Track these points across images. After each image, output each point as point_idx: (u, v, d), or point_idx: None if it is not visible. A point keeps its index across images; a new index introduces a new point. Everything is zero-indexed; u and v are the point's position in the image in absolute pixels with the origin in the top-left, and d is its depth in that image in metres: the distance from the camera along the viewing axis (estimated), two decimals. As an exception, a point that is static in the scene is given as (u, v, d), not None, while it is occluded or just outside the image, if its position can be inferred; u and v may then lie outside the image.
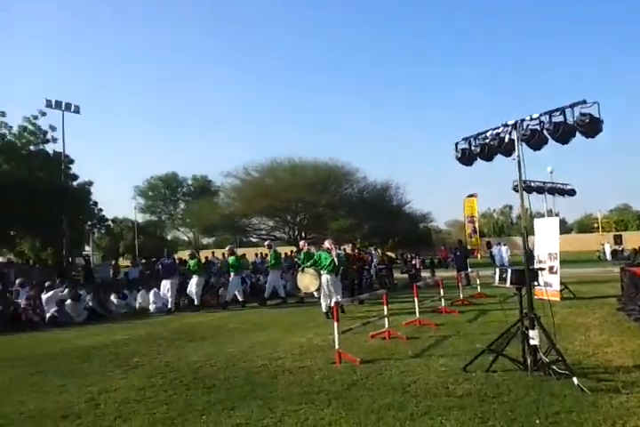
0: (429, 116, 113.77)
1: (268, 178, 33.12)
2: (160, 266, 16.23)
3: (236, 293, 14.53)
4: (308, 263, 11.69)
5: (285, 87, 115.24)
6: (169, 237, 58.48)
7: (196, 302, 14.36)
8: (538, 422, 4.21)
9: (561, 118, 5.68)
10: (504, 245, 30.42)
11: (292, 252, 21.49)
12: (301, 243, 14.79)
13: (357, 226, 29.54)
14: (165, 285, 14.32)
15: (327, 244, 11.80)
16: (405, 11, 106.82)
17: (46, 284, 13.93)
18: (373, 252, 22.02)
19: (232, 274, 14.73)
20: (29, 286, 13.73)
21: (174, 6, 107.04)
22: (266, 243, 16.95)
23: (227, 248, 16.33)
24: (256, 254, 22.64)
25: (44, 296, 12.78)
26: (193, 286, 14.40)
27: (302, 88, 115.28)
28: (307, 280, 11.91)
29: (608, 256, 34.52)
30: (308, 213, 32.94)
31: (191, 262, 14.71)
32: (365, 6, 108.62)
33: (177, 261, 17.29)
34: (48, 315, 12.19)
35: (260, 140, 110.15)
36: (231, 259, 15.04)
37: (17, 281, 14.79)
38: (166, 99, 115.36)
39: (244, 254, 22.92)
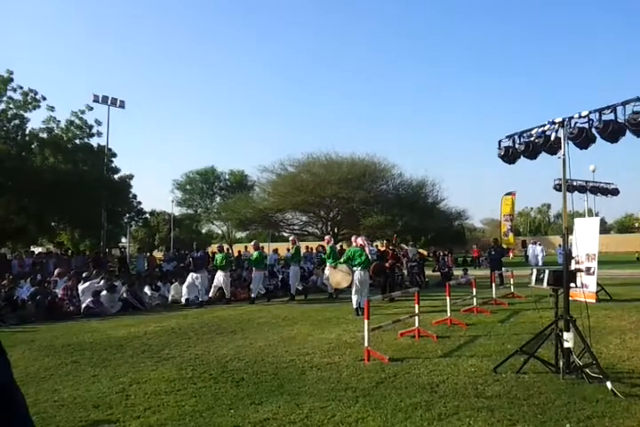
0: (470, 113, 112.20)
1: (303, 173, 33.19)
2: (190, 259, 16.36)
3: (260, 287, 14.78)
4: (342, 260, 11.78)
5: (325, 83, 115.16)
6: (203, 231, 59.20)
7: (227, 295, 14.53)
8: (568, 425, 4.13)
9: (611, 116, 5.52)
10: (539, 244, 29.90)
11: (321, 247, 21.47)
12: (327, 237, 14.91)
13: (391, 222, 29.30)
14: (195, 277, 14.37)
15: (360, 240, 12.00)
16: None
17: (83, 275, 14.29)
18: (410, 248, 21.97)
19: (254, 269, 14.83)
20: (67, 276, 14.07)
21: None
22: (290, 238, 16.92)
23: (252, 243, 16.41)
24: (287, 249, 22.70)
25: (81, 287, 13.10)
26: (221, 279, 14.53)
27: (343, 83, 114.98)
28: (339, 276, 11.97)
29: (648, 257, 33.55)
30: (342, 209, 32.86)
31: (218, 256, 14.84)
32: None
33: (208, 255, 17.39)
34: (84, 305, 12.49)
35: (299, 135, 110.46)
36: (255, 254, 15.10)
37: (55, 271, 15.19)
38: (208, 94, 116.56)
39: (277, 249, 23.14)
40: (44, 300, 12.11)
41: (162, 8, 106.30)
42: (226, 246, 18.52)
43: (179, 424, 4.38)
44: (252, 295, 14.55)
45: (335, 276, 12.08)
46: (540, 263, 26.44)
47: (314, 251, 21.48)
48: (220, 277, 14.54)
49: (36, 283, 13.29)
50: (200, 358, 7.00)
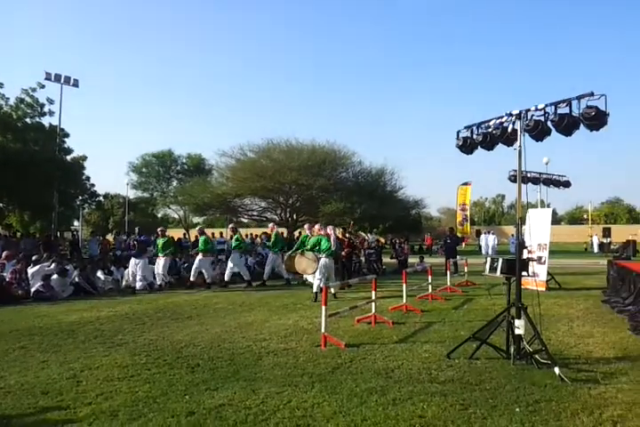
0: (429, 103, 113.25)
1: (263, 159, 32.86)
2: (135, 242, 15.50)
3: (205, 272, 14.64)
4: (308, 247, 11.90)
5: (287, 68, 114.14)
6: (159, 215, 58.22)
7: (157, 282, 14.26)
8: (518, 410, 4.25)
9: (566, 110, 5.64)
10: (492, 234, 30.60)
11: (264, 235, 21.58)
12: (270, 225, 15.80)
13: (350, 210, 29.42)
14: (136, 263, 13.77)
15: (328, 230, 12.38)
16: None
17: (33, 258, 13.84)
18: (370, 236, 22.27)
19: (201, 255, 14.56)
20: (16, 259, 13.60)
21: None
22: (270, 225, 16.57)
23: (230, 226, 16.42)
24: (247, 235, 22.62)
25: (30, 270, 12.69)
26: (203, 264, 14.38)
27: (304, 70, 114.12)
28: (305, 263, 11.97)
29: (595, 248, 34.83)
30: (302, 196, 32.77)
31: (201, 239, 14.74)
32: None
33: (150, 240, 16.47)
34: (33, 289, 12.10)
35: (258, 120, 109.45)
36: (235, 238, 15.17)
37: (3, 254, 14.66)
38: (165, 76, 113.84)
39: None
40: (-10, 283, 11.69)
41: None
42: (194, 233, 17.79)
43: (132, 411, 4.30)
44: (208, 280, 14.47)
45: (301, 262, 12.06)
46: (492, 252, 27.12)
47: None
48: (199, 261, 14.33)
49: (-18, 266, 12.80)
50: (154, 344, 6.90)
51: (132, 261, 13.89)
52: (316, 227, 12.64)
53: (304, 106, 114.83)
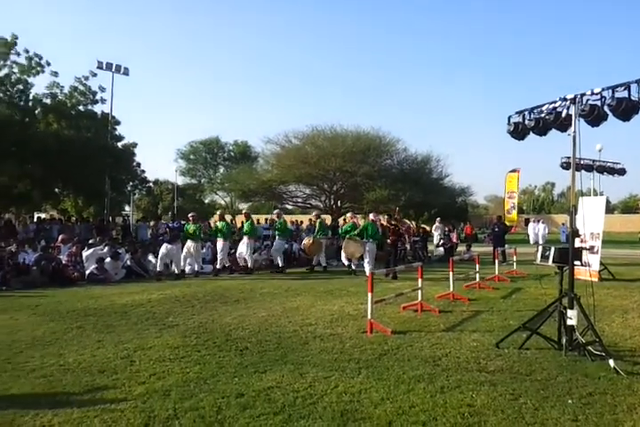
0: (477, 91, 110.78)
1: (308, 146, 32.92)
2: (167, 229, 14.95)
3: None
4: (356, 232, 12.97)
5: (332, 55, 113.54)
6: (206, 201, 59.19)
7: (217, 266, 14.22)
8: (571, 401, 4.16)
9: (625, 94, 5.40)
10: (542, 222, 29.76)
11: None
12: (349, 215, 15.77)
13: (395, 197, 29.20)
14: (170, 248, 13.45)
15: (372, 216, 13.64)
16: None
17: (90, 241, 14.32)
18: (438, 224, 22.75)
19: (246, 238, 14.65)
20: (71, 243, 14.11)
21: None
22: (275, 211, 16.35)
23: (314, 213, 16.67)
24: (292, 222, 22.78)
25: (85, 253, 13.14)
26: (218, 249, 14.33)
27: (349, 56, 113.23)
28: (352, 248, 12.95)
29: (651, 238, 33.55)
30: (346, 183, 32.73)
31: (219, 224, 14.51)
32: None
33: (183, 226, 15.35)
34: (87, 272, 12.54)
35: (305, 108, 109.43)
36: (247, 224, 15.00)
37: (59, 238, 15.24)
38: (212, 64, 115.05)
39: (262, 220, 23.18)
40: (48, 265, 12.16)
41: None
42: (240, 218, 17.33)
43: (183, 391, 4.42)
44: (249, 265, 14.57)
45: (349, 247, 13.00)
46: (542, 241, 26.38)
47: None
48: (219, 246, 14.31)
49: (41, 249, 13.33)
50: (204, 326, 7.05)
51: (164, 246, 13.54)
52: (348, 215, 14.52)
53: (349, 92, 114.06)
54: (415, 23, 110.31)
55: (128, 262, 13.47)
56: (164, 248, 13.52)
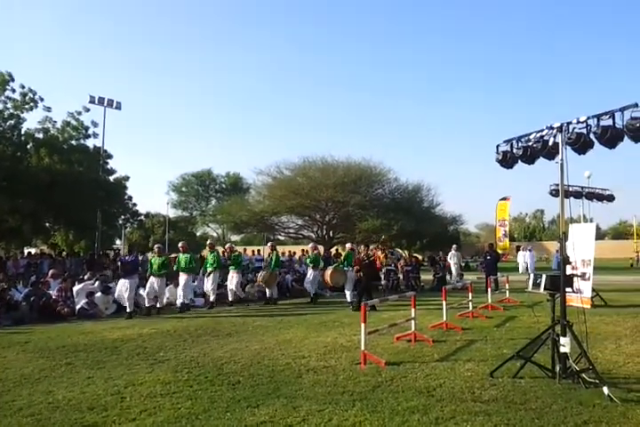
0: (465, 119, 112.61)
1: (299, 176, 33.20)
2: (119, 263, 14.10)
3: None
4: (345, 262, 13.83)
5: (321, 86, 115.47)
6: (198, 233, 59.04)
7: (211, 299, 13.98)
8: (566, 431, 4.12)
9: (609, 122, 5.54)
10: (529, 250, 29.77)
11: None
12: (348, 245, 15.65)
13: (387, 227, 29.35)
14: (123, 284, 12.63)
15: (349, 245, 14.76)
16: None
17: (81, 277, 14.19)
18: (395, 252, 22.36)
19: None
20: (61, 277, 13.98)
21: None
22: (269, 244, 16.18)
23: (269, 244, 16.08)
24: (283, 253, 22.75)
25: (75, 288, 13.02)
26: (209, 281, 14.02)
27: (340, 87, 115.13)
28: (338, 277, 13.70)
29: (642, 264, 33.70)
30: (338, 213, 32.90)
31: (209, 256, 14.21)
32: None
33: (139, 260, 14.70)
34: (78, 307, 12.40)
35: (295, 139, 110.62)
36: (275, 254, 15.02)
37: (49, 272, 15.11)
38: (205, 97, 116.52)
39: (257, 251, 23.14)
40: (38, 301, 12.02)
41: (160, 10, 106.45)
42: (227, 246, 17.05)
43: (175, 427, 4.35)
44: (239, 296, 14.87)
45: (335, 277, 13.63)
46: (531, 269, 26.32)
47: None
48: (210, 278, 13.99)
49: (31, 284, 13.20)
50: (196, 361, 6.97)
51: (120, 282, 12.82)
52: (310, 246, 15.94)
53: (339, 123, 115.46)
54: (398, 56, 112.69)
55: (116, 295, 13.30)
56: (120, 284, 12.77)
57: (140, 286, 13.49)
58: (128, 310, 12.32)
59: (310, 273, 15.28)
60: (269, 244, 16.18)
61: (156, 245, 14.29)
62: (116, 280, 14.97)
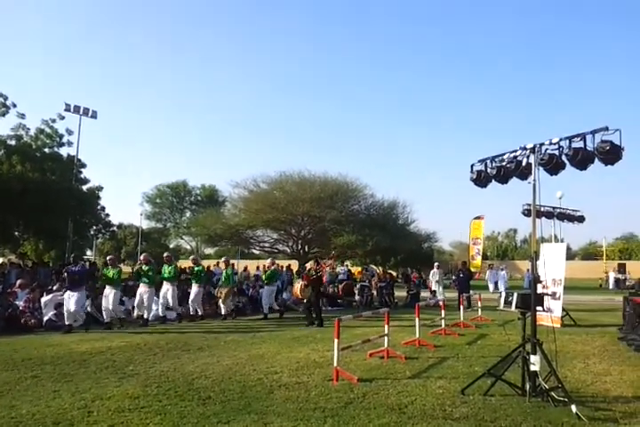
0: (441, 136, 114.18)
1: (276, 190, 33.19)
2: (65, 274, 12.49)
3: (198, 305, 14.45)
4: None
5: (299, 100, 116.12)
6: (171, 245, 58.51)
7: (199, 312, 14.10)
8: (535, 449, 4.16)
9: (581, 144, 5.68)
10: (502, 269, 29.92)
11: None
12: (268, 261, 15.96)
13: (362, 242, 29.47)
14: (69, 296, 11.66)
15: (269, 261, 15.56)
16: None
17: (49, 287, 13.87)
18: (342, 268, 22.44)
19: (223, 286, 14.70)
20: (29, 288, 13.65)
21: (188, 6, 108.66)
22: (269, 260, 16.21)
23: (223, 259, 16.00)
24: (257, 267, 22.64)
25: (43, 299, 12.71)
26: (192, 295, 14.16)
27: (317, 102, 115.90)
28: (309, 290, 13.40)
29: (611, 285, 34.34)
30: (313, 228, 32.90)
31: (166, 268, 13.79)
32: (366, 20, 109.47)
33: (87, 271, 13.98)
34: (46, 318, 12.12)
35: (272, 153, 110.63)
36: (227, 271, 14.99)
37: (17, 282, 14.73)
38: (183, 108, 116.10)
39: (246, 267, 23.00)
40: (4, 312, 11.72)
41: (137, 17, 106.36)
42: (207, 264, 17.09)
43: (143, 443, 4.27)
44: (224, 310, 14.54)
45: (307, 290, 13.30)
46: (503, 288, 26.47)
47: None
48: (193, 292, 14.14)
49: (-3, 294, 12.87)
50: (166, 375, 6.86)
51: (66, 294, 11.81)
52: (268, 261, 15.81)
53: (317, 138, 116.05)
54: (373, 71, 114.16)
55: (88, 309, 13.05)
56: (65, 296, 11.80)
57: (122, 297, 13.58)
58: (106, 320, 12.26)
59: (265, 289, 15.27)
60: (223, 258, 16.13)
61: (165, 254, 14.63)
62: (86, 292, 14.71)
